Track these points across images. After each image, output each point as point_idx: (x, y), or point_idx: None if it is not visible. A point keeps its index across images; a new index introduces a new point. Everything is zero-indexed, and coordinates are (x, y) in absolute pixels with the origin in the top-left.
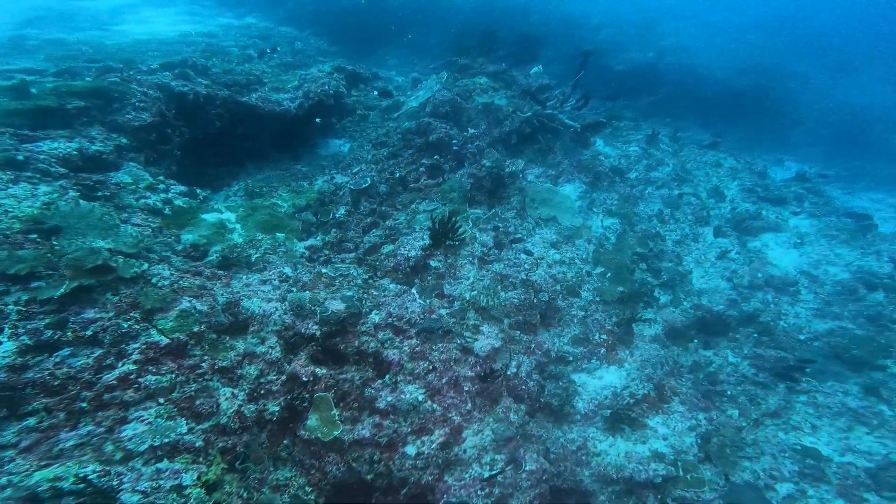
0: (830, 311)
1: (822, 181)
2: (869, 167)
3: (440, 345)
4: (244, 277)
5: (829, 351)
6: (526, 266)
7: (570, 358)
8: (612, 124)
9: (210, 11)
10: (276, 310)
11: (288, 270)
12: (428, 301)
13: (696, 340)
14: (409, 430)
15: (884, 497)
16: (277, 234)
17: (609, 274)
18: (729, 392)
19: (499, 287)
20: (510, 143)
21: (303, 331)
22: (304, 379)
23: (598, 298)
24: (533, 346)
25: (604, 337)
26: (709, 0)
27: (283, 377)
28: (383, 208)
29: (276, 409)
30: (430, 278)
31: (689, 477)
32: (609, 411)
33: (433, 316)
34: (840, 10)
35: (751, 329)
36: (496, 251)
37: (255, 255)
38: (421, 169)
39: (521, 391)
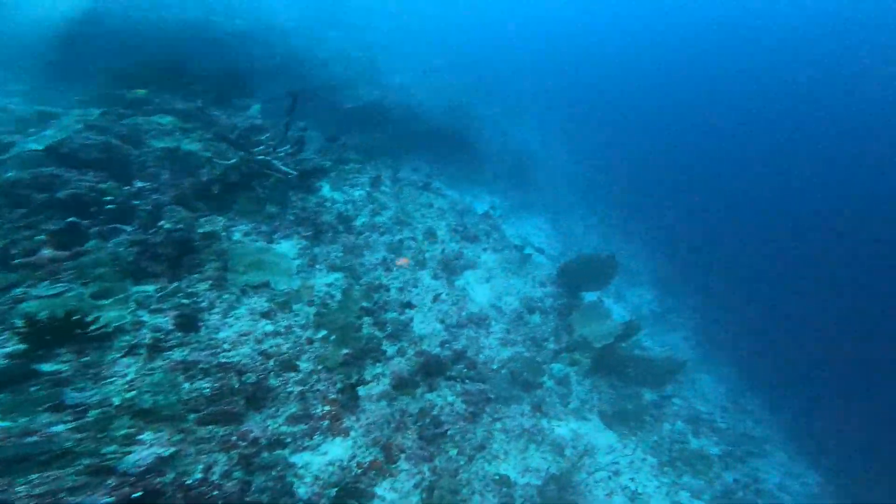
0: (510, 339)
1: (502, 220)
2: (531, 198)
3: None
4: None
5: (510, 376)
6: (225, 346)
7: (289, 439)
8: (339, 167)
9: None
10: None
11: None
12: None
13: (421, 386)
14: None
15: None
16: None
17: (333, 336)
18: (450, 432)
19: (180, 378)
20: (211, 195)
21: None
22: None
23: (320, 367)
24: (235, 438)
25: (327, 408)
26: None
27: None
28: None
29: None
30: (35, 389)
31: None
32: (335, 489)
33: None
34: (511, 61)
35: (461, 365)
36: (180, 334)
37: None
38: (41, 237)
39: (212, 498)
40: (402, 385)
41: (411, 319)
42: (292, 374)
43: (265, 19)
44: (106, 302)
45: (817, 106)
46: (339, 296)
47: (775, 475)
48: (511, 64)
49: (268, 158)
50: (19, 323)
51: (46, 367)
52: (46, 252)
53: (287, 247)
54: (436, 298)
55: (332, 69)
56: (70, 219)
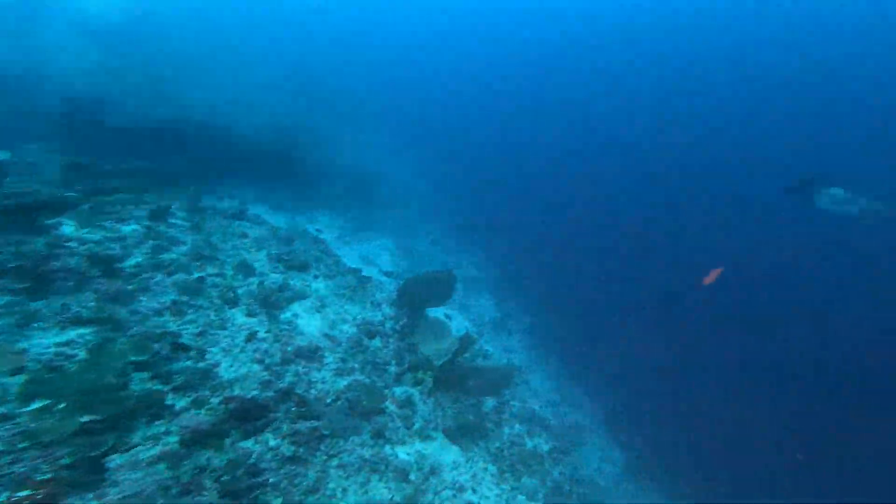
0: (346, 367)
1: (342, 242)
2: (375, 216)
3: None
4: None
5: (347, 406)
6: None
7: None
8: (95, 199)
9: None
10: None
11: None
12: None
13: (233, 434)
14: None
15: None
16: None
17: (63, 405)
18: (272, 479)
19: None
20: None
21: None
22: None
23: (23, 444)
24: None
25: (26, 492)
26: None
27: None
28: None
29: None
30: None
31: None
32: None
33: None
34: (349, 75)
35: (290, 404)
36: None
37: None
38: None
39: None
40: (199, 439)
41: (216, 365)
42: None
43: None
44: None
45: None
46: (82, 354)
47: (594, 461)
48: (354, 77)
49: None
50: None
51: None
52: None
53: None
54: (250, 337)
55: (95, 79)
56: None
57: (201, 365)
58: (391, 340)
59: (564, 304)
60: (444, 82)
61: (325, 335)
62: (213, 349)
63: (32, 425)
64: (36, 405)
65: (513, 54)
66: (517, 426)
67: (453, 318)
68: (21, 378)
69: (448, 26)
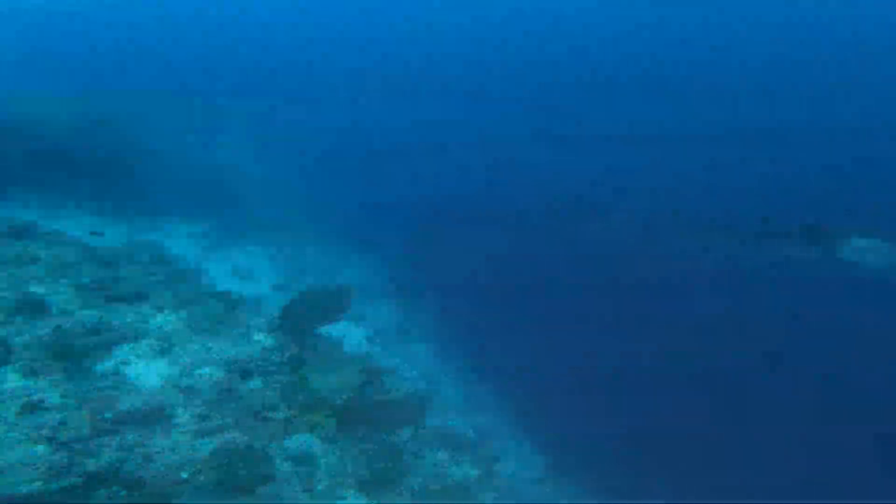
0: (211, 426)
1: (195, 256)
2: (244, 223)
3: None
4: None
5: (216, 479)
6: None
7: None
8: None
9: None
10: None
11: None
12: None
13: None
14: None
15: None
16: None
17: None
18: None
19: None
20: None
21: None
22: None
23: None
24: None
25: None
26: None
27: None
28: None
29: None
30: None
31: None
32: None
33: None
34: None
35: (116, 488)
36: None
37: None
38: None
39: None
40: None
41: None
42: None
43: None
44: None
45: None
46: None
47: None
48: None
49: None
50: None
51: None
52: None
53: None
54: (30, 407)
55: None
56: None
57: None
58: (277, 378)
59: (467, 300)
60: (309, 73)
61: (175, 387)
62: None
63: None
64: None
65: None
66: (439, 453)
67: (349, 336)
68: None
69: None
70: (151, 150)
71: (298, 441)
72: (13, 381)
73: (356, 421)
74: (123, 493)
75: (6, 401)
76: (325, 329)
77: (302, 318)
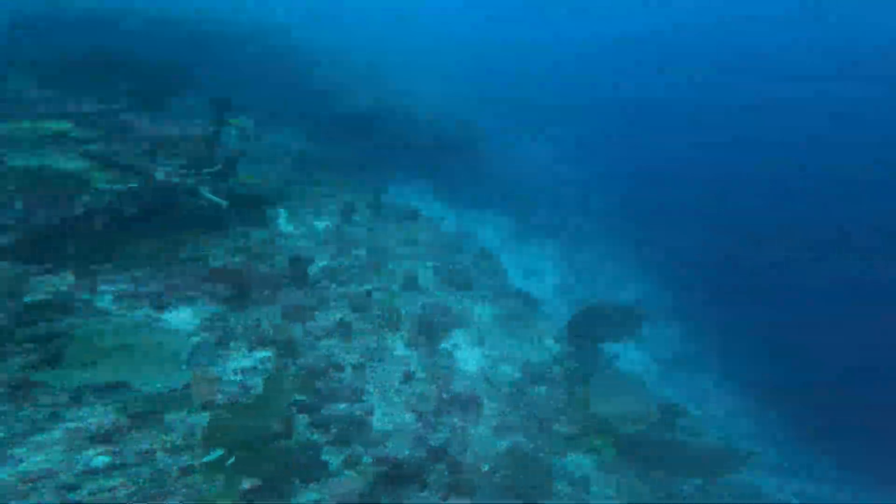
0: (507, 424)
1: (505, 253)
2: (540, 223)
3: None
4: None
5: (507, 481)
6: None
7: None
8: (306, 189)
9: None
10: None
11: None
12: None
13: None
14: None
15: None
16: None
17: (233, 459)
18: None
19: None
20: (92, 233)
21: None
22: None
23: None
24: None
25: None
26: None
27: None
28: None
29: None
30: None
31: None
32: None
33: None
34: (527, 71)
35: (442, 467)
36: None
37: None
38: None
39: None
40: None
41: (370, 412)
42: None
43: (266, 19)
44: None
45: None
46: (260, 387)
47: None
48: (526, 74)
49: (189, 182)
50: None
51: None
52: None
53: (185, 316)
54: (408, 377)
55: (327, 71)
56: None
57: (357, 410)
58: (560, 389)
59: (778, 335)
60: (635, 86)
61: (486, 378)
62: (369, 387)
63: (203, 486)
64: (212, 456)
65: (712, 61)
66: None
67: (638, 360)
68: (206, 417)
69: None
70: (482, 145)
71: (576, 461)
72: (400, 349)
73: (638, 456)
74: (447, 474)
75: (395, 367)
76: (610, 347)
77: (588, 331)
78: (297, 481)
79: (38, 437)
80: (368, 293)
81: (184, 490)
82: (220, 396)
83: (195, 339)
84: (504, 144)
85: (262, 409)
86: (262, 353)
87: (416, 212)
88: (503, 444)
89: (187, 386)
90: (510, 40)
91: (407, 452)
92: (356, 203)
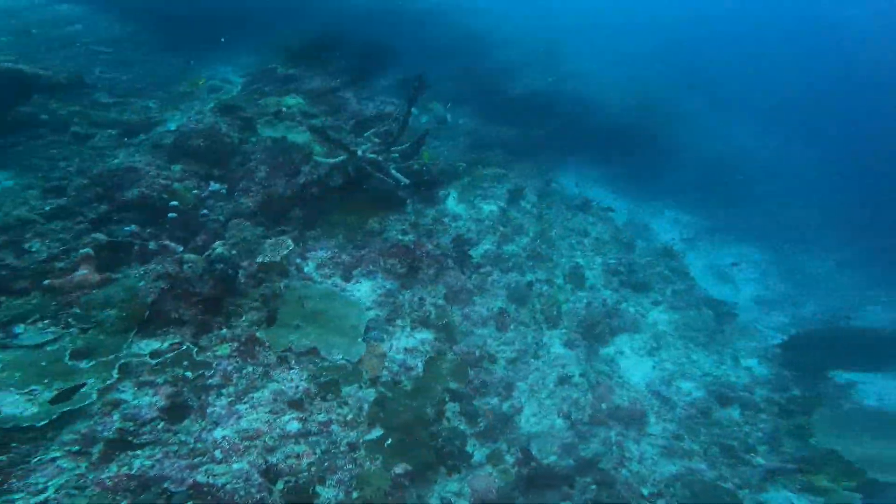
0: (680, 447)
1: (690, 250)
2: (740, 219)
3: None
4: None
5: None
6: (217, 454)
7: None
8: (475, 171)
9: None
10: None
11: None
12: None
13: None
14: None
15: None
16: None
17: (390, 441)
18: None
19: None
20: (308, 202)
21: None
22: None
23: (354, 495)
24: None
25: None
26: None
27: None
28: None
29: None
30: None
31: None
32: None
33: None
34: (719, 46)
35: (588, 479)
36: (163, 423)
37: None
38: (85, 250)
39: None
40: None
41: (519, 410)
42: None
43: None
44: (84, 365)
45: None
46: (420, 369)
47: None
48: (730, 53)
49: (379, 159)
50: None
51: None
52: (81, 272)
53: (365, 289)
54: (562, 380)
55: (506, 52)
56: (130, 227)
57: (506, 406)
58: (762, 416)
59: None
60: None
61: (655, 392)
62: (520, 384)
63: (367, 465)
64: (373, 435)
65: None
66: None
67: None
68: (372, 393)
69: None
70: (666, 132)
71: (781, 497)
72: (557, 348)
73: None
74: (594, 488)
75: (551, 368)
76: (842, 375)
77: (814, 354)
78: (441, 469)
79: (255, 395)
80: (530, 284)
81: (348, 467)
82: (385, 373)
83: (370, 314)
84: (693, 130)
85: (419, 391)
86: (422, 334)
87: (588, 201)
88: (671, 468)
89: (360, 360)
90: (699, 14)
91: (553, 458)
92: (526, 188)
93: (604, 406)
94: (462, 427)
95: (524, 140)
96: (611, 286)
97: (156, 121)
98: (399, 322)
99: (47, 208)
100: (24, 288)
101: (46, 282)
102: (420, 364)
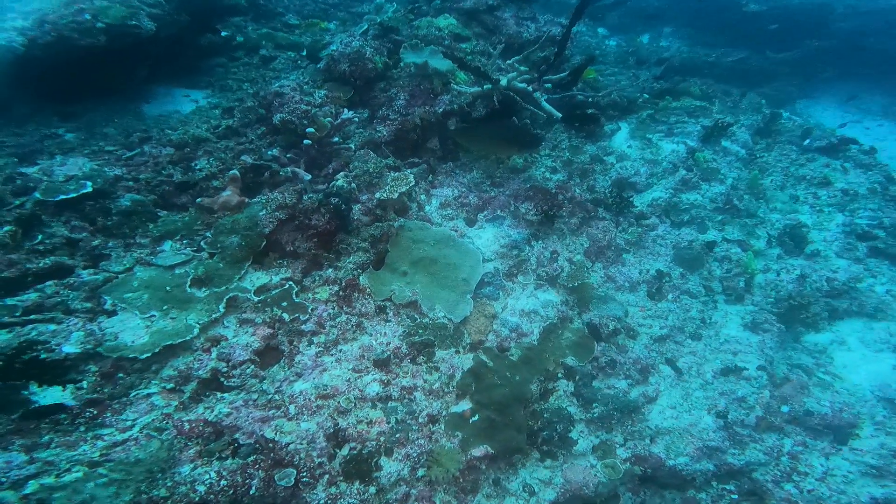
0: None
1: None
2: None
3: None
4: None
5: None
6: (291, 409)
7: None
8: (659, 104)
9: None
10: None
11: None
12: None
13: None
14: None
15: None
16: None
17: (477, 417)
18: None
19: (183, 456)
20: (445, 133)
21: None
22: None
23: (419, 473)
24: None
25: None
26: None
27: None
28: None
29: None
30: None
31: None
32: None
33: None
34: None
35: (731, 486)
36: (252, 369)
37: None
38: (232, 171)
39: None
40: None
41: (653, 399)
42: (359, 484)
43: None
44: (200, 293)
45: None
46: (535, 336)
47: None
48: None
49: (528, 89)
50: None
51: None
52: (226, 193)
53: (489, 234)
54: (730, 370)
55: None
56: (272, 151)
57: (635, 392)
58: None
59: None
60: None
61: (887, 400)
62: (665, 368)
63: (442, 441)
64: (459, 408)
65: None
66: None
67: None
68: (469, 360)
69: None
70: None
71: None
72: (733, 329)
73: None
74: (735, 497)
75: (716, 352)
76: None
77: None
78: (533, 453)
79: (343, 348)
80: (710, 244)
81: (421, 441)
82: (491, 337)
83: (488, 267)
84: None
85: (527, 363)
86: (547, 295)
87: (842, 141)
88: (872, 491)
89: (465, 320)
90: None
91: (684, 461)
92: (734, 125)
93: (785, 409)
94: (570, 410)
95: (746, 66)
96: (851, 255)
97: (328, 42)
98: (521, 278)
99: (222, 127)
100: (184, 204)
101: (199, 199)
102: (536, 331)
